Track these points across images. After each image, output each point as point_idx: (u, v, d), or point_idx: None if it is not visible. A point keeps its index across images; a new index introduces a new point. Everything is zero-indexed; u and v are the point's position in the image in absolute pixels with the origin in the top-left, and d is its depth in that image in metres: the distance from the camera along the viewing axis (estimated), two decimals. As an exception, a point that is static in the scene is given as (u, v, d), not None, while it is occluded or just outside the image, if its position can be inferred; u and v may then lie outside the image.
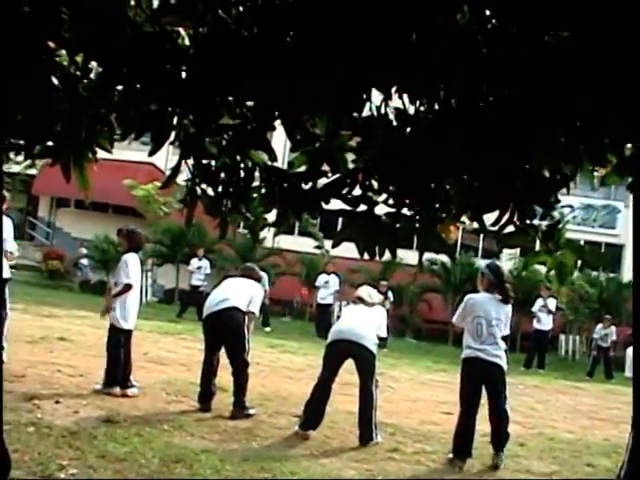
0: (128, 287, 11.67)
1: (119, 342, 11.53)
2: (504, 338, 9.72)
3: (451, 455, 9.53)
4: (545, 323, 25.28)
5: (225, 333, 11.08)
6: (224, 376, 11.15)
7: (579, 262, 4.88)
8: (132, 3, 4.41)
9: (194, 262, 28.83)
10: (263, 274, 28.23)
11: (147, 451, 8.36)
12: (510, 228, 4.63)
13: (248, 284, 11.60)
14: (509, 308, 9.82)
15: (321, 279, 28.80)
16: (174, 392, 11.83)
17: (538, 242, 4.88)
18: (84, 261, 36.92)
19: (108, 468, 7.67)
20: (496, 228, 4.61)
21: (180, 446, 8.77)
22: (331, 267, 29.21)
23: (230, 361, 11.10)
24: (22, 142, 5.24)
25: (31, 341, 15.11)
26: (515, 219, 4.57)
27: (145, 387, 11.76)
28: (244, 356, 11.03)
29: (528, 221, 4.63)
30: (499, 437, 9.53)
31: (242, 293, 11.30)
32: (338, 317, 10.58)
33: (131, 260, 11.79)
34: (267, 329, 26.76)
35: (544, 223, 4.78)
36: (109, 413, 9.87)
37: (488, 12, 4.02)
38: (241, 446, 9.22)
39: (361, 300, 10.82)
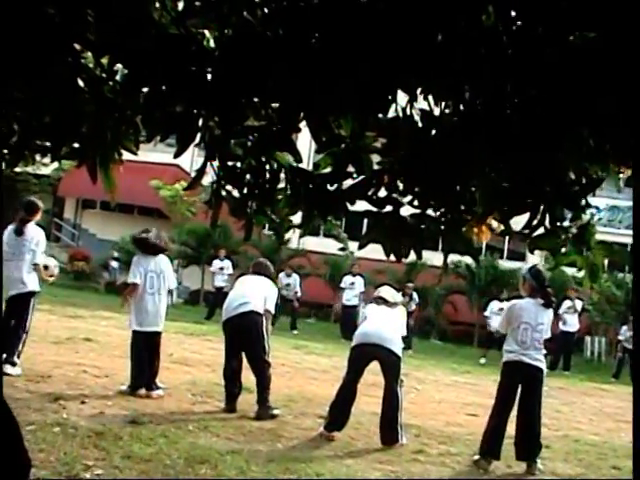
0: (132, 286, 11.74)
1: (136, 343, 11.65)
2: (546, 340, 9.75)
3: (476, 457, 9.51)
4: (571, 325, 25.17)
5: (245, 337, 11.11)
6: (249, 377, 11.16)
7: (606, 263, 4.86)
8: (157, 5, 4.42)
9: (216, 263, 28.85)
10: (295, 275, 28.47)
11: (172, 452, 8.38)
12: (540, 230, 4.61)
13: (262, 283, 11.61)
14: (551, 312, 9.85)
15: (346, 280, 28.77)
16: (199, 393, 11.87)
17: (568, 243, 4.86)
18: (114, 264, 37.02)
19: (133, 469, 7.69)
20: (526, 231, 4.60)
21: (205, 447, 8.79)
22: (356, 268, 29.17)
23: (251, 364, 11.15)
24: (48, 144, 5.26)
25: (57, 342, 15.19)
26: (545, 221, 4.55)
27: (170, 388, 11.80)
28: (265, 358, 11.09)
29: (558, 223, 4.61)
30: (531, 443, 9.48)
31: (258, 293, 11.31)
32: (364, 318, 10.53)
33: (139, 260, 11.90)
34: (295, 332, 26.76)
35: (574, 225, 4.75)
36: (134, 414, 9.90)
37: (513, 13, 4.00)
38: (266, 447, 9.23)
39: (383, 300, 10.80)
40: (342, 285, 28.89)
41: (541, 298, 9.68)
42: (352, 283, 28.44)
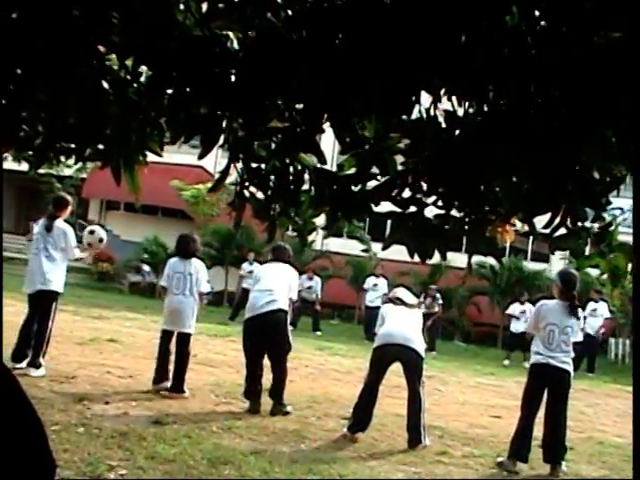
0: (162, 288, 12.43)
1: (162, 341, 11.90)
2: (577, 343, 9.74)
3: (500, 459, 9.50)
4: (594, 327, 25.01)
5: (270, 336, 11.12)
6: (267, 376, 11.17)
7: (630, 265, 4.84)
8: (181, 7, 4.43)
9: (245, 267, 28.70)
10: (316, 278, 28.41)
11: (196, 452, 8.39)
12: (562, 231, 4.59)
13: (284, 271, 11.64)
14: (580, 315, 9.79)
15: (370, 282, 28.71)
16: (223, 394, 11.88)
17: (589, 245, 4.84)
18: (146, 267, 37.05)
19: (157, 469, 7.71)
20: (548, 231, 4.58)
21: (229, 448, 8.80)
22: (380, 270, 29.10)
23: (273, 362, 11.20)
24: (73, 145, 5.29)
25: (81, 342, 15.23)
26: (567, 221, 4.53)
27: (194, 389, 11.81)
28: (286, 355, 11.22)
29: (580, 223, 4.59)
30: (556, 445, 9.46)
31: (283, 286, 11.35)
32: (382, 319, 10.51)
33: (169, 262, 12.22)
34: (318, 333, 26.75)
35: (596, 225, 4.74)
36: (158, 414, 9.93)
37: (537, 13, 3.99)
38: (290, 448, 9.22)
39: (401, 301, 10.79)
40: (365, 286, 28.83)
41: (566, 300, 9.65)
42: (375, 284, 28.38)
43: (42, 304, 11.80)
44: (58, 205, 12.35)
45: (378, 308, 26.72)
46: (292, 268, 11.84)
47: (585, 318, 24.53)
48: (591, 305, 25.11)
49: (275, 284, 11.31)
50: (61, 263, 12.00)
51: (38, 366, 11.55)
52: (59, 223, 12.14)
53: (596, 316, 24.99)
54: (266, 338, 11.12)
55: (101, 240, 12.59)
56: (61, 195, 12.89)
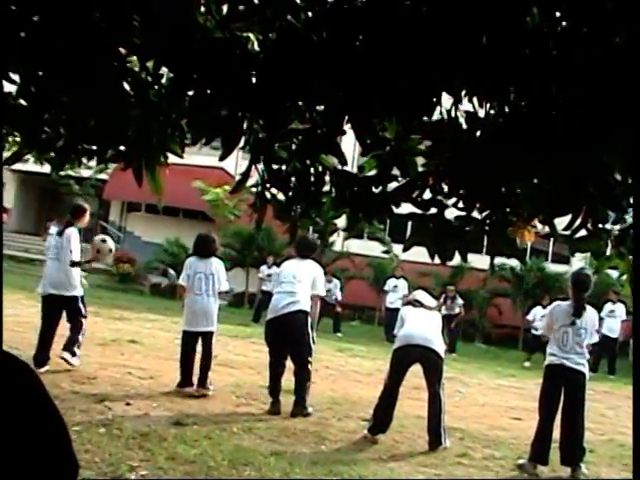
0: (180, 288, 12.32)
1: (183, 342, 11.95)
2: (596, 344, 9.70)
3: (521, 461, 9.48)
4: (613, 329, 24.87)
5: (291, 337, 11.14)
6: (289, 377, 11.18)
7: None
8: (202, 9, 4.44)
9: (264, 270, 28.70)
10: (335, 281, 28.38)
11: (216, 453, 8.41)
12: (582, 232, 4.57)
13: (307, 268, 11.52)
14: (595, 316, 9.75)
15: (390, 283, 28.74)
16: (243, 395, 11.90)
17: (610, 246, 4.83)
18: (172, 271, 37.07)
19: (178, 470, 7.74)
20: (568, 232, 4.57)
21: (249, 449, 8.82)
22: (400, 271, 29.13)
23: (296, 364, 11.19)
24: (94, 147, 5.30)
25: (102, 343, 15.28)
26: (588, 223, 4.52)
27: (215, 390, 11.83)
28: (308, 357, 11.14)
29: (600, 225, 4.58)
30: (574, 447, 9.42)
31: (305, 285, 11.28)
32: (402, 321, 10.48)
33: (189, 262, 12.16)
34: (339, 334, 26.71)
35: (616, 227, 4.72)
36: (179, 415, 9.96)
37: (558, 14, 3.98)
38: (310, 449, 9.24)
39: (420, 303, 10.78)
40: (386, 288, 28.86)
41: (574, 302, 9.61)
42: (395, 286, 28.40)
43: (67, 308, 11.98)
44: (75, 213, 12.54)
45: (398, 310, 26.80)
46: (316, 264, 11.77)
47: (602, 319, 24.44)
48: (609, 306, 25.00)
49: (297, 285, 11.25)
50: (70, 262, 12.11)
51: (74, 353, 11.89)
52: (69, 229, 12.28)
53: (614, 317, 24.88)
54: (287, 339, 11.14)
55: (110, 251, 12.77)
56: (79, 203, 12.98)
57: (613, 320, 24.83)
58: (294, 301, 11.08)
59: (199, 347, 11.86)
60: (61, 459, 1.70)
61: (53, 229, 12.40)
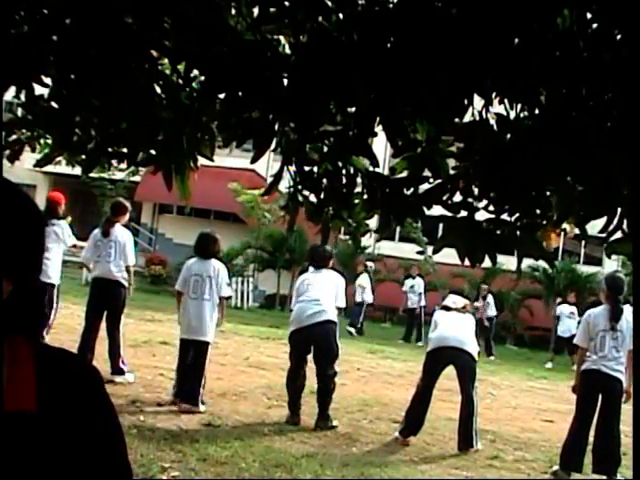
0: (177, 293, 11.17)
1: (181, 352, 10.96)
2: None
3: (555, 467, 9.35)
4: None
5: (318, 348, 10.49)
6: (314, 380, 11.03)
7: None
8: (233, 12, 4.45)
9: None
10: (364, 275, 28.13)
11: (247, 455, 8.42)
12: (618, 234, 4.53)
13: (328, 279, 10.87)
14: (630, 319, 9.57)
15: (407, 283, 28.64)
16: (275, 397, 11.87)
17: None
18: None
19: (209, 471, 7.75)
20: (604, 235, 4.53)
21: (280, 450, 8.82)
22: (415, 270, 29.03)
23: (320, 375, 10.53)
24: (125, 150, 5.32)
25: (134, 345, 15.30)
26: (623, 225, 4.48)
27: (246, 391, 11.86)
28: (335, 369, 10.56)
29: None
30: (607, 456, 9.27)
31: (329, 295, 10.63)
32: (426, 321, 10.40)
33: (186, 264, 11.36)
34: (352, 330, 25.94)
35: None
36: (210, 417, 9.96)
37: (589, 16, 3.96)
38: (341, 451, 9.22)
39: (453, 308, 10.74)
40: (403, 289, 28.74)
41: (611, 307, 9.46)
42: (412, 286, 28.26)
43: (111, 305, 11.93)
44: (115, 211, 12.27)
45: (414, 309, 26.51)
46: (337, 274, 11.14)
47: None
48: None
49: (322, 293, 10.61)
50: (122, 267, 11.94)
51: (122, 372, 11.63)
52: (117, 228, 12.03)
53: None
54: (315, 351, 10.50)
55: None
56: (119, 200, 12.72)
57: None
58: (321, 310, 10.45)
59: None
60: (118, 463, 1.75)
61: (95, 232, 12.16)
